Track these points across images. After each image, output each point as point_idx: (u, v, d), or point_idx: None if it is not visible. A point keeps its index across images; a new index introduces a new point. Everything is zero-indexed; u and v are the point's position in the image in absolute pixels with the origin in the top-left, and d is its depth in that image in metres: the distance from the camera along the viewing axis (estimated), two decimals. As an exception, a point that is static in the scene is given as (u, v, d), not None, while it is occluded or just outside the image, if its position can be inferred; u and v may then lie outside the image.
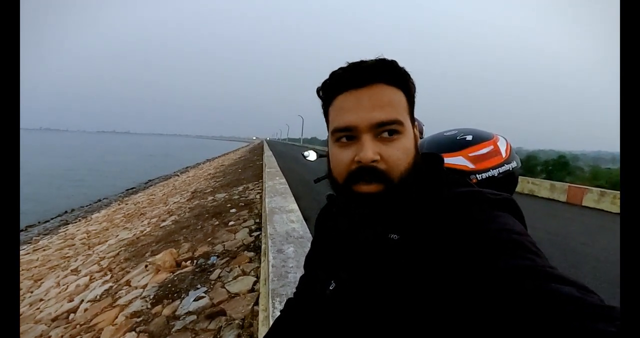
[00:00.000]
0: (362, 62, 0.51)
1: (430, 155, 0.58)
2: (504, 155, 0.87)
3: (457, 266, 0.40)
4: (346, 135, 0.50)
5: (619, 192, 8.79)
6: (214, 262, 3.70)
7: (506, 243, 0.39)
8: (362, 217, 0.56)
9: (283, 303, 1.32)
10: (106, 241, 7.16)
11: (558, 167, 19.39)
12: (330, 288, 0.55)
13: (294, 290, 1.39)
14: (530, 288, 0.34)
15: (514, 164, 0.87)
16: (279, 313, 1.25)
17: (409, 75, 0.53)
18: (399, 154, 0.49)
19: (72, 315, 3.72)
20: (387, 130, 0.48)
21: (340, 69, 0.52)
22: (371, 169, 0.48)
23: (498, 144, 0.88)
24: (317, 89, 0.56)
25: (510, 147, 0.90)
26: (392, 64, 0.51)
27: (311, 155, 1.89)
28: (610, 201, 8.53)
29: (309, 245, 1.92)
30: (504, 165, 0.85)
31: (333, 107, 0.53)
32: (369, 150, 0.48)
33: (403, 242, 0.47)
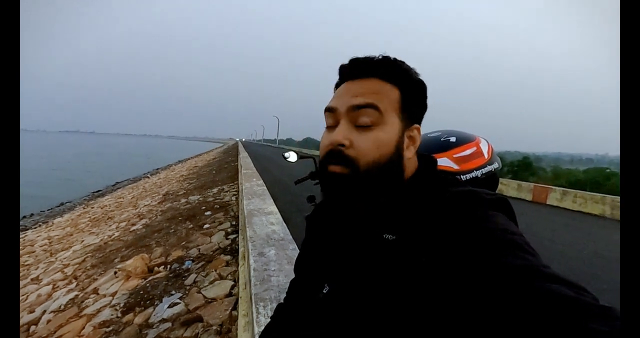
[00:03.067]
0: (365, 57, 0.54)
1: (424, 156, 0.59)
2: (486, 156, 0.89)
3: (454, 266, 0.40)
4: (330, 118, 0.54)
5: (579, 191, 9.37)
6: (189, 266, 3.58)
7: (502, 242, 0.40)
8: (354, 218, 0.55)
9: (267, 308, 1.29)
10: (70, 247, 6.76)
11: (523, 167, 20.41)
12: (324, 291, 0.54)
13: (278, 294, 1.37)
14: (527, 287, 0.34)
15: (495, 165, 0.89)
16: (263, 319, 1.23)
17: (409, 73, 0.54)
18: (369, 143, 0.50)
19: (33, 328, 3.47)
20: (363, 114, 0.50)
21: (348, 61, 0.56)
22: (338, 152, 0.50)
23: (480, 145, 0.91)
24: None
25: (492, 148, 0.93)
26: (391, 61, 0.53)
27: (292, 157, 1.87)
28: (571, 200, 9.07)
29: (291, 247, 1.89)
30: (486, 166, 0.87)
31: None
32: (339, 133, 0.50)
33: (399, 242, 0.47)
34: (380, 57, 0.54)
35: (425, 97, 0.56)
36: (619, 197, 8.17)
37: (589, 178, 16.55)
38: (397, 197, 0.51)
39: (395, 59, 0.54)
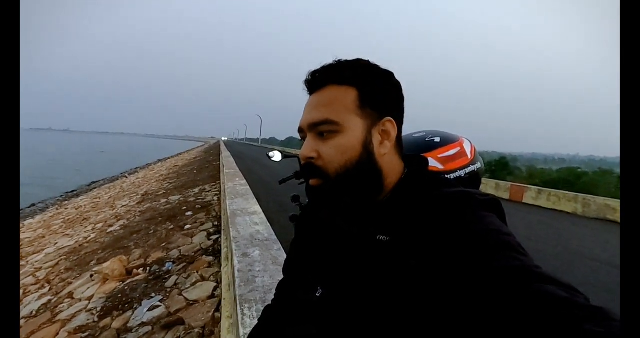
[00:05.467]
0: (321, 67, 0.55)
1: (415, 157, 0.59)
2: (469, 156, 0.90)
3: (449, 267, 0.40)
4: (302, 136, 0.56)
5: (552, 190, 9.73)
6: (170, 268, 3.50)
7: (496, 244, 0.40)
8: (347, 219, 0.55)
9: (253, 309, 1.27)
10: (43, 250, 6.47)
11: (500, 167, 21.02)
12: (317, 294, 0.53)
13: (263, 295, 1.35)
14: (523, 289, 0.34)
15: (478, 165, 0.91)
16: (248, 320, 1.21)
17: (365, 69, 0.54)
18: (331, 151, 0.51)
19: (2, 335, 3.31)
20: (321, 130, 0.52)
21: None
22: (308, 165, 0.53)
23: (464, 145, 0.92)
24: None
25: (474, 148, 0.95)
26: (341, 64, 0.54)
27: (276, 156, 1.85)
28: (546, 198, 9.43)
29: (276, 248, 1.87)
30: (469, 166, 0.88)
31: None
32: (305, 148, 0.53)
33: (393, 243, 0.47)
34: (333, 63, 0.54)
35: (395, 88, 0.55)
36: (589, 196, 8.53)
37: (561, 178, 17.24)
38: (390, 197, 0.51)
39: (347, 60, 0.54)
